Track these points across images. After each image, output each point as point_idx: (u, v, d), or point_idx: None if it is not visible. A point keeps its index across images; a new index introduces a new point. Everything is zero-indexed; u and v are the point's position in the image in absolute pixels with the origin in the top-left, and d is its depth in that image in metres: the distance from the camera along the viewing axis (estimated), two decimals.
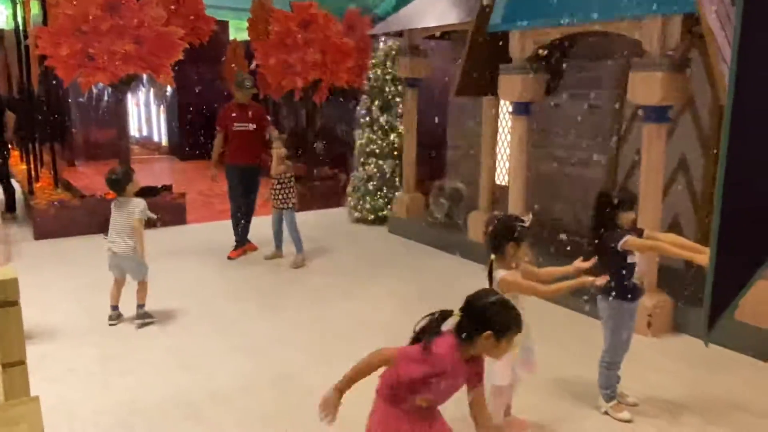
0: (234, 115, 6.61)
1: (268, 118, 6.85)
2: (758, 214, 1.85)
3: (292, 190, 6.47)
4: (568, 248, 5.91)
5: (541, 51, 5.40)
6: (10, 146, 9.50)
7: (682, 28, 4.30)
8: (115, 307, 4.92)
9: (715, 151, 5.29)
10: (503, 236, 3.10)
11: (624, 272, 3.35)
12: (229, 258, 6.62)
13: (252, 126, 6.58)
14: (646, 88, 4.46)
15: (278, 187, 6.43)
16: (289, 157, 6.47)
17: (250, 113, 6.60)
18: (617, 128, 6.15)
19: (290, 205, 6.45)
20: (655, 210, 4.67)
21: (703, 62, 4.81)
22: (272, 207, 6.50)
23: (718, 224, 1.62)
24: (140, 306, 4.91)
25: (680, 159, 5.56)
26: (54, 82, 8.40)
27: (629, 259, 3.35)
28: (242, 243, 6.83)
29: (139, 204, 4.84)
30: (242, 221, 6.79)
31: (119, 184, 4.84)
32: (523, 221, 3.14)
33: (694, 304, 4.63)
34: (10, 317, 1.82)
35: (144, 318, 4.87)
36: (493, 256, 3.13)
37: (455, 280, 5.92)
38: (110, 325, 4.83)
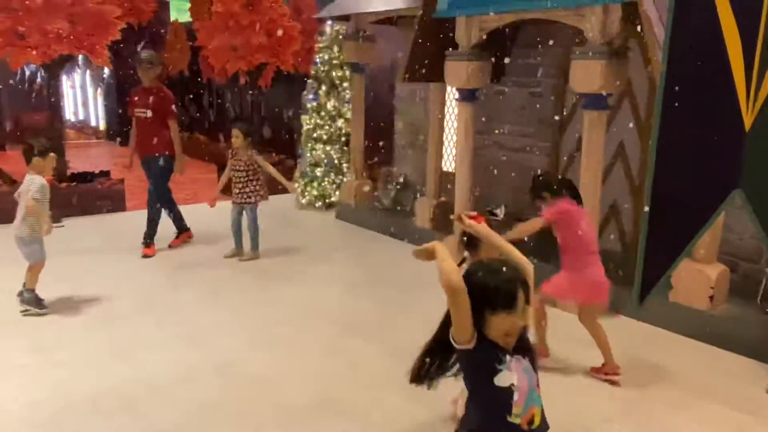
0: (136, 99, 6.14)
1: (172, 106, 6.14)
2: (683, 201, 1.93)
3: (253, 184, 5.98)
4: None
5: (485, 38, 5.44)
6: None
7: (621, 16, 4.40)
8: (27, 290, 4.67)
9: (646, 140, 5.47)
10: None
11: None
12: (170, 246, 6.40)
13: (149, 113, 6.02)
14: (587, 76, 4.55)
15: (237, 180, 5.98)
16: (249, 146, 5.95)
17: (150, 98, 6.03)
18: (559, 115, 6.27)
19: (252, 200, 6.01)
20: (595, 194, 4.79)
21: (641, 50, 4.95)
22: (232, 201, 6.06)
23: (648, 210, 1.68)
24: (26, 290, 4.64)
25: (619, 146, 5.72)
26: None
27: None
28: (181, 230, 6.56)
29: (34, 182, 4.50)
30: (170, 213, 6.44)
31: (25, 154, 4.59)
32: (496, 215, 3.02)
33: (629, 285, 4.78)
34: None
35: (26, 304, 4.62)
36: (466, 253, 3.00)
37: (402, 266, 5.93)
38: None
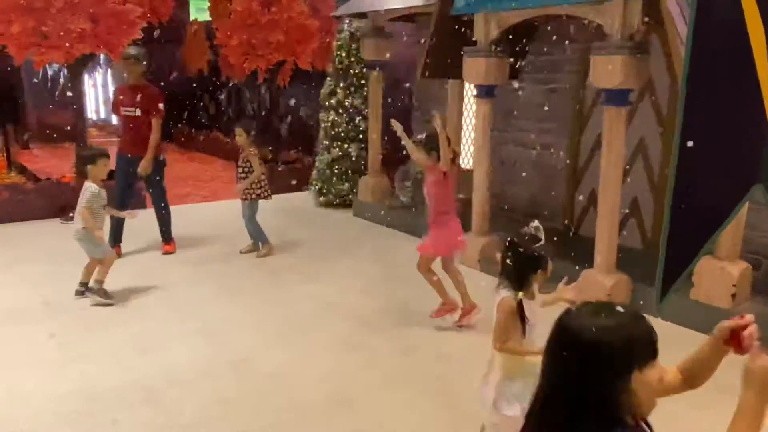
0: (122, 97, 5.91)
1: (161, 104, 5.84)
2: (704, 196, 1.91)
3: (252, 181, 5.95)
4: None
5: (503, 34, 5.42)
6: None
7: (642, 12, 4.36)
8: (82, 284, 4.91)
9: (668, 136, 5.41)
10: (528, 267, 2.59)
11: None
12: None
13: (138, 111, 5.79)
14: (607, 71, 4.51)
15: (239, 176, 6.04)
16: (250, 145, 5.94)
17: (138, 96, 5.79)
18: (578, 112, 6.23)
19: (250, 197, 5.99)
20: (615, 191, 4.76)
21: (662, 46, 4.90)
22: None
23: (670, 210, 1.67)
24: (96, 281, 4.85)
25: (639, 142, 5.66)
26: (9, 67, 8.09)
27: None
28: (167, 239, 6.23)
29: (87, 190, 4.77)
30: (162, 215, 6.16)
31: (79, 161, 4.83)
32: (539, 238, 2.65)
33: (651, 283, 4.74)
34: None
35: (93, 294, 4.82)
36: (520, 294, 2.56)
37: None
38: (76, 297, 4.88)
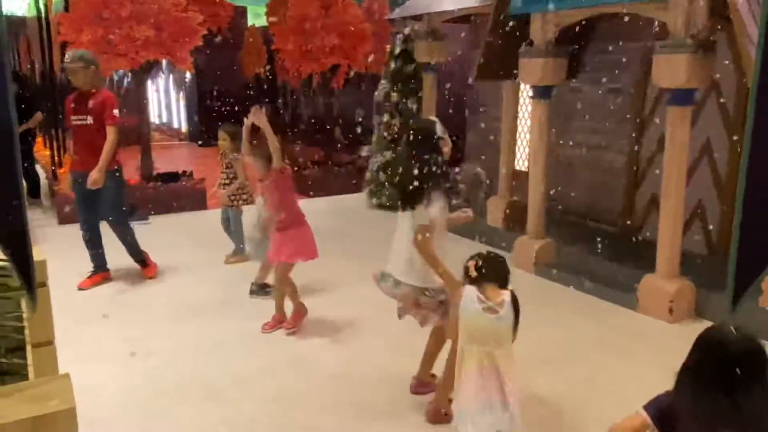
0: (72, 105, 5.19)
1: (115, 110, 5.17)
2: None
3: (237, 187, 5.81)
4: (586, 234, 5.88)
5: (561, 34, 5.33)
6: (36, 132, 9.60)
7: (707, 8, 4.21)
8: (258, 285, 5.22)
9: (736, 137, 5.20)
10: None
11: None
12: (80, 288, 5.29)
13: (89, 119, 5.11)
14: (671, 70, 4.38)
15: (221, 181, 5.94)
16: (235, 149, 5.58)
17: (90, 103, 5.11)
18: (639, 112, 6.06)
19: (235, 204, 5.89)
20: (679, 193, 4.61)
21: (729, 44, 4.72)
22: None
23: (741, 211, 1.60)
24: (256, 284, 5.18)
25: (704, 143, 5.47)
26: None
27: None
28: (99, 269, 5.44)
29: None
30: (127, 239, 5.43)
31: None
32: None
33: (716, 289, 4.58)
34: (39, 298, 1.86)
35: (254, 291, 5.15)
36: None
37: None
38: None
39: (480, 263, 2.68)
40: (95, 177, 4.96)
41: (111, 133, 5.12)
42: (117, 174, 5.24)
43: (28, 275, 1.15)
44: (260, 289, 5.17)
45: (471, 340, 2.63)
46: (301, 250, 4.34)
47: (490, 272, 2.67)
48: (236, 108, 14.14)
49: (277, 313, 4.52)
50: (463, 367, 2.66)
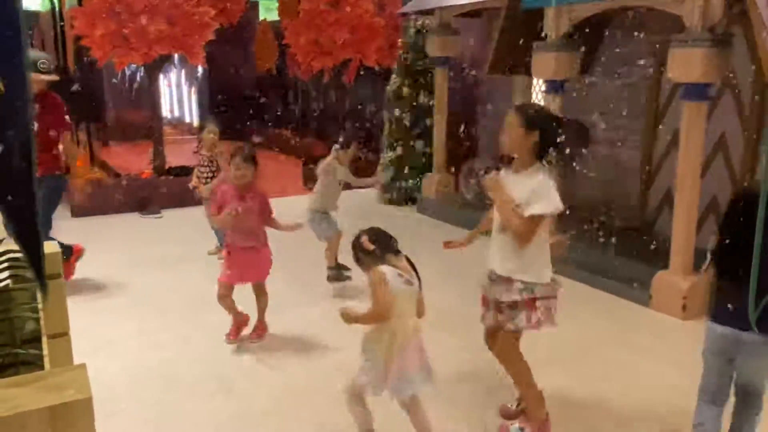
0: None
1: (64, 115, 5.01)
2: None
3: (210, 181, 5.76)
4: (599, 230, 5.84)
5: (575, 28, 5.29)
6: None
7: (724, 2, 4.16)
8: (330, 267, 5.18)
9: (754, 136, 5.13)
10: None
11: None
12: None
13: (35, 125, 4.89)
14: (686, 64, 4.33)
15: (200, 175, 5.91)
16: (217, 144, 5.70)
17: (35, 106, 4.76)
18: (654, 107, 6.00)
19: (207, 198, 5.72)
20: (694, 190, 4.57)
21: (746, 38, 4.66)
22: None
23: (765, 209, 1.58)
24: (329, 267, 5.14)
25: (720, 138, 5.41)
26: (90, 64, 8.55)
27: None
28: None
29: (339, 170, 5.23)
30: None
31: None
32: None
33: None
34: (53, 289, 1.87)
35: (332, 277, 5.12)
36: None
37: (484, 260, 5.88)
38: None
39: (373, 238, 2.78)
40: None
41: (64, 139, 5.07)
42: (58, 178, 5.07)
43: (40, 268, 1.16)
44: (337, 271, 5.13)
45: (401, 315, 2.70)
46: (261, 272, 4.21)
47: (385, 244, 2.78)
48: (248, 102, 14.21)
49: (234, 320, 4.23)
50: (395, 343, 2.70)
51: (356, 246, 2.82)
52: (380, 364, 2.71)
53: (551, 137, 2.89)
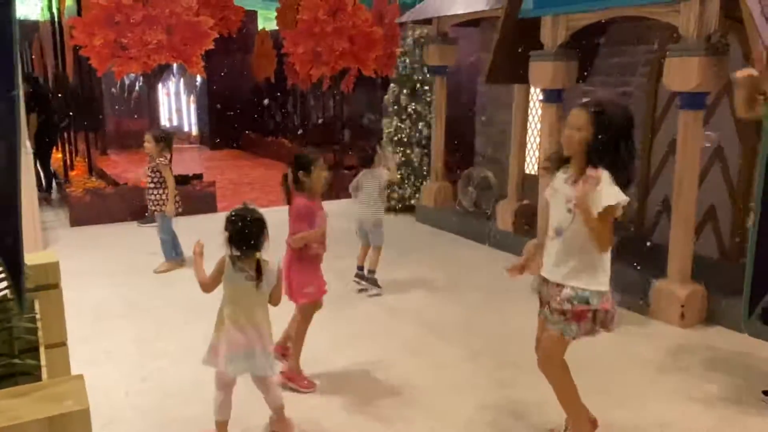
0: None
1: None
2: None
3: (159, 192, 5.72)
4: None
5: (571, 37, 5.32)
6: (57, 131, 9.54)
7: (719, 12, 4.19)
8: (360, 267, 5.40)
9: (751, 146, 5.16)
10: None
11: None
12: None
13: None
14: (682, 73, 4.36)
15: (147, 186, 5.83)
16: (160, 153, 5.66)
17: None
18: (650, 115, 6.03)
19: (156, 209, 5.78)
20: (690, 198, 4.58)
21: (741, 47, 4.68)
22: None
23: (759, 217, 1.60)
24: (370, 271, 5.31)
25: (716, 147, 5.43)
26: (89, 73, 8.57)
27: None
28: None
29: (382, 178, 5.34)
30: None
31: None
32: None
33: (728, 294, 4.54)
34: (51, 299, 1.88)
35: (367, 283, 5.28)
36: None
37: (483, 269, 5.90)
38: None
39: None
40: None
41: None
42: None
43: (18, 280, 1.16)
44: (371, 281, 5.34)
45: (233, 302, 3.21)
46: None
47: (238, 239, 3.19)
48: (247, 110, 14.23)
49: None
50: (224, 325, 3.18)
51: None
52: (215, 341, 3.17)
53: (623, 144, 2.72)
